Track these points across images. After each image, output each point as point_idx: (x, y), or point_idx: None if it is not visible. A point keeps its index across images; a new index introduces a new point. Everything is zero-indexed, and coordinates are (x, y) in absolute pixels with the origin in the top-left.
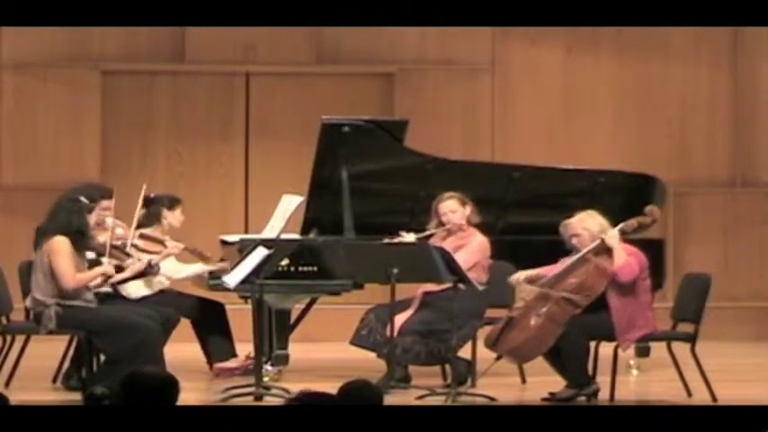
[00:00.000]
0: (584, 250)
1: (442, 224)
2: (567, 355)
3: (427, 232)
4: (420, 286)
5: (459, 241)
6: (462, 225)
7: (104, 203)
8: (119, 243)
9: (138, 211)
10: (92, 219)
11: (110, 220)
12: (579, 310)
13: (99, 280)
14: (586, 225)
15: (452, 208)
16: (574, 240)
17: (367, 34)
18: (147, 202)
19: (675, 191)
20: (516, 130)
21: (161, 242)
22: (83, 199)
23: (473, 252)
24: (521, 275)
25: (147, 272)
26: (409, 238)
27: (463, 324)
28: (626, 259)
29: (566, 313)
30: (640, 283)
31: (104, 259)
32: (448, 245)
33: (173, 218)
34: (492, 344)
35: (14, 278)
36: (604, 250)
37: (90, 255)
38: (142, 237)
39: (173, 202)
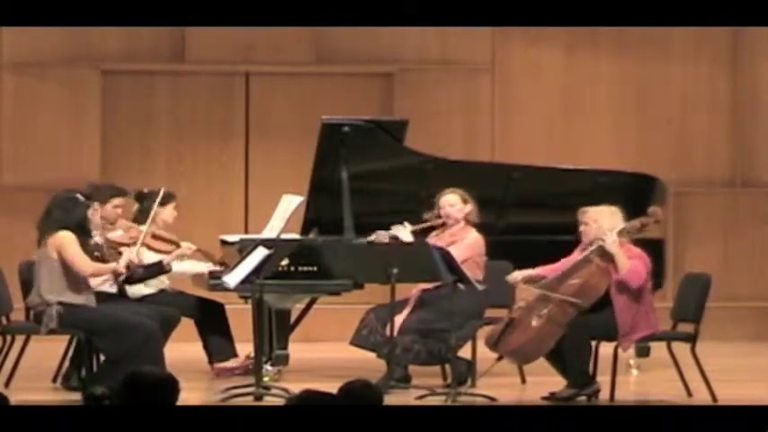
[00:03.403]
0: (586, 252)
1: (439, 216)
2: (569, 355)
3: (422, 225)
4: (416, 285)
5: (453, 237)
6: (459, 219)
7: (116, 201)
8: (131, 242)
9: (153, 213)
10: (95, 216)
11: (122, 222)
12: (581, 311)
13: (109, 276)
14: (599, 219)
15: (452, 202)
16: (581, 227)
17: (367, 34)
18: (140, 198)
19: (675, 191)
20: (516, 130)
21: (174, 242)
22: (79, 196)
23: (465, 248)
24: (518, 275)
25: (159, 271)
26: (404, 229)
27: (463, 324)
28: (632, 264)
29: (567, 315)
30: (645, 284)
31: (125, 250)
32: (441, 240)
33: (165, 214)
34: (493, 344)
35: (14, 278)
36: (605, 253)
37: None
38: (154, 237)
39: (165, 198)
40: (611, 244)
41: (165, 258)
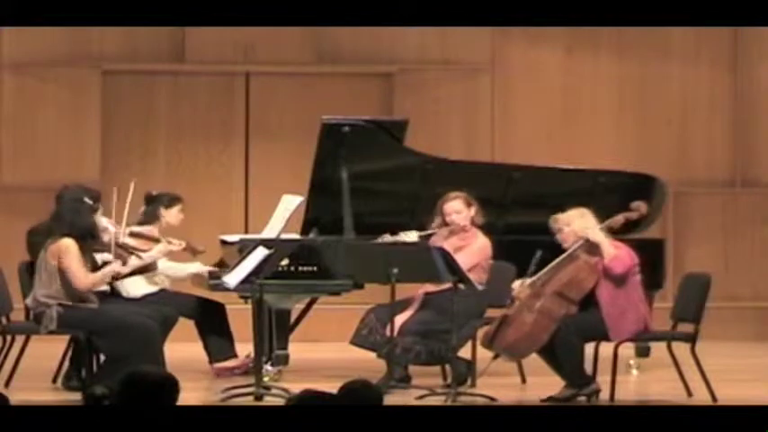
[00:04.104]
0: (572, 249)
1: (445, 224)
2: (562, 355)
3: (429, 231)
4: (420, 286)
5: (461, 242)
6: (465, 226)
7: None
8: (119, 241)
9: (127, 210)
10: (97, 220)
11: (104, 220)
12: (572, 305)
13: (109, 278)
14: (570, 222)
15: (457, 209)
16: (558, 235)
17: (367, 34)
18: (148, 200)
19: (675, 191)
20: (516, 130)
21: (153, 240)
22: (87, 200)
23: (473, 254)
24: (520, 283)
25: (147, 268)
26: (411, 236)
27: (463, 324)
28: (616, 252)
29: (559, 308)
30: (631, 278)
31: (107, 256)
32: (449, 245)
33: (170, 216)
34: (488, 343)
35: (14, 278)
36: (592, 247)
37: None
38: (132, 235)
39: (171, 201)
40: (594, 234)
41: (151, 255)
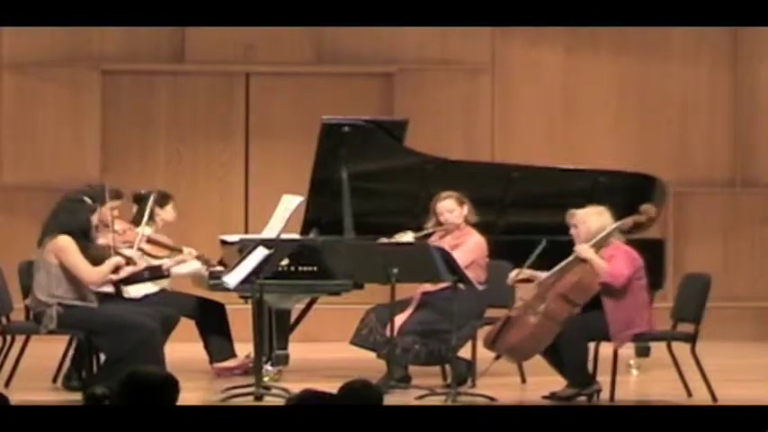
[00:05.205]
0: (564, 262)
1: (439, 223)
2: (566, 355)
3: (425, 231)
4: (419, 286)
5: (456, 240)
6: (459, 224)
7: (113, 204)
8: (125, 246)
9: (147, 216)
10: (94, 219)
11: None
12: (577, 308)
13: (113, 269)
14: (587, 220)
15: (450, 207)
16: (572, 231)
17: (367, 34)
18: (138, 200)
19: (675, 191)
20: (516, 130)
21: (170, 248)
22: (86, 199)
23: (469, 251)
24: (514, 273)
25: (157, 275)
26: (407, 237)
27: (463, 324)
28: (611, 266)
29: (563, 311)
30: (634, 283)
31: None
32: (444, 244)
33: (165, 213)
34: (491, 343)
35: (14, 278)
36: (584, 260)
37: None
38: (150, 241)
39: (163, 199)
40: (584, 251)
41: (164, 263)
